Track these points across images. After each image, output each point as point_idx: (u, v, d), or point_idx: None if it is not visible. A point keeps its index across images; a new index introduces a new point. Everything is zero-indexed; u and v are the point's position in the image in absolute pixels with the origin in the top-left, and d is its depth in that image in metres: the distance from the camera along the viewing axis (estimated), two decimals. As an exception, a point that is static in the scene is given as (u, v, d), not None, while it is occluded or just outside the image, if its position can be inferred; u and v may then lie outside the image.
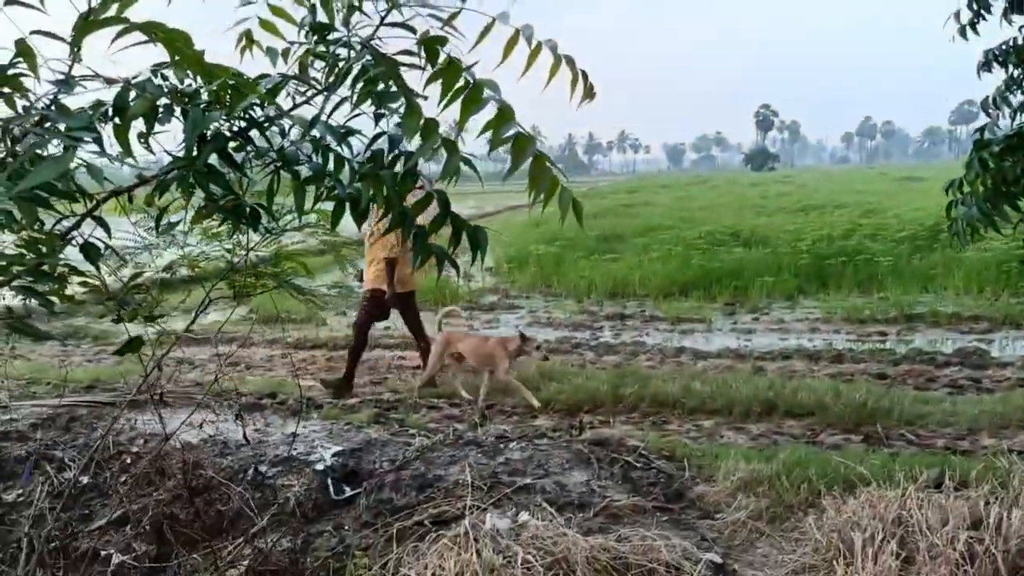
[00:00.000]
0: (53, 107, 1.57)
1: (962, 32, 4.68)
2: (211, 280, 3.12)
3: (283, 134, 1.88)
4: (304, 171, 1.93)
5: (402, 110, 1.83)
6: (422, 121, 1.67)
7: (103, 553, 4.30)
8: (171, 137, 1.80)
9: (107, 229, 1.83)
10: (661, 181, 58.33)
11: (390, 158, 1.89)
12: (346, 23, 1.86)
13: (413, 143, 1.89)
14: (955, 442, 5.38)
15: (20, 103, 1.66)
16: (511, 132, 1.82)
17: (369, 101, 1.90)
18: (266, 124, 1.80)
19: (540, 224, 22.62)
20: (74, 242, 1.87)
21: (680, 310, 11.13)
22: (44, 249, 1.84)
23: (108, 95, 1.71)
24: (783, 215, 21.49)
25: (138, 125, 1.77)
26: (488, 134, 1.84)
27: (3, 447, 5.03)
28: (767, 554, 3.89)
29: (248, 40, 2.05)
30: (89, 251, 1.78)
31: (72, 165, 1.63)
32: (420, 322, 7.61)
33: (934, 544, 3.47)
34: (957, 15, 4.73)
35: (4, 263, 1.80)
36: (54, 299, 1.95)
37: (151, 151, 1.79)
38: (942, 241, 14.13)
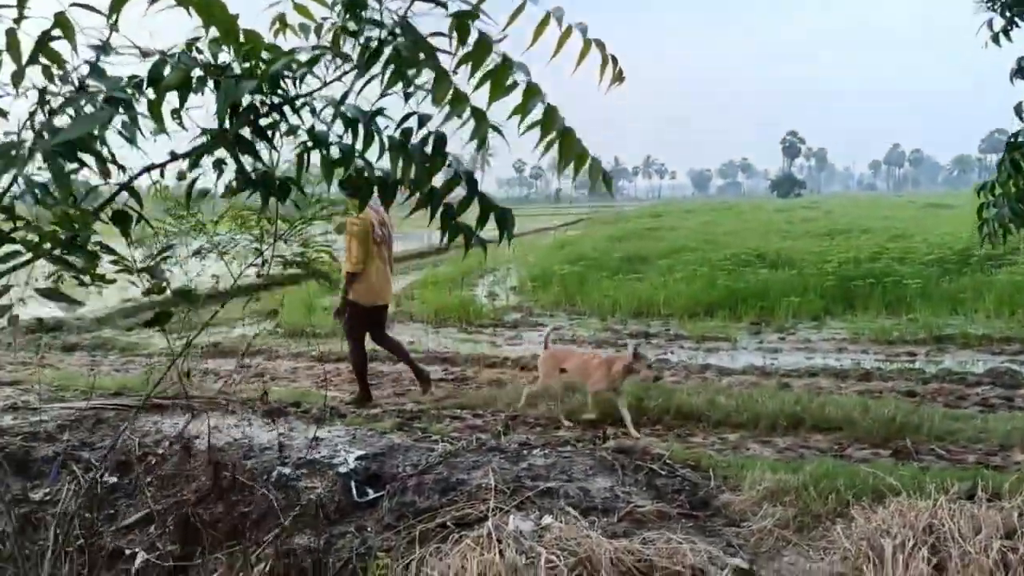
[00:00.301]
0: (91, 73, 1.60)
1: (995, 39, 4.66)
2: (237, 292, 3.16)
3: (314, 112, 1.91)
4: (334, 151, 1.95)
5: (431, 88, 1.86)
6: (451, 90, 1.68)
7: (127, 552, 4.33)
8: (204, 113, 1.83)
9: (139, 200, 1.86)
10: (686, 206, 58.23)
11: (419, 137, 1.91)
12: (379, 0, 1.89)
13: (440, 120, 1.91)
14: (987, 457, 5.28)
15: (57, 74, 1.70)
16: (539, 108, 1.84)
17: (400, 84, 1.92)
18: (298, 102, 1.83)
19: (564, 245, 22.71)
20: (105, 215, 1.89)
21: (705, 329, 11.05)
22: (77, 225, 1.87)
23: (142, 69, 1.75)
24: (809, 239, 21.33)
25: (171, 101, 1.80)
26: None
27: (32, 447, 5.09)
28: (794, 562, 3.83)
29: (282, 24, 2.08)
30: (120, 218, 1.81)
31: (107, 135, 1.66)
32: (385, 335, 7.73)
33: (967, 552, 3.40)
34: (990, 23, 4.71)
35: (38, 239, 1.83)
36: (86, 277, 1.98)
37: (183, 127, 1.82)
38: (972, 265, 13.99)
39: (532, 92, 1.71)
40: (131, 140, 1.59)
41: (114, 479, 4.85)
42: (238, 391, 6.89)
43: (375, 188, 2.01)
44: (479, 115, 1.71)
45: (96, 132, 1.55)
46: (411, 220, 2.19)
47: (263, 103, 1.76)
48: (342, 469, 4.60)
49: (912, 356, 9.17)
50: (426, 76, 1.92)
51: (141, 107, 1.77)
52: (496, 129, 1.74)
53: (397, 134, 1.86)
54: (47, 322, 12.21)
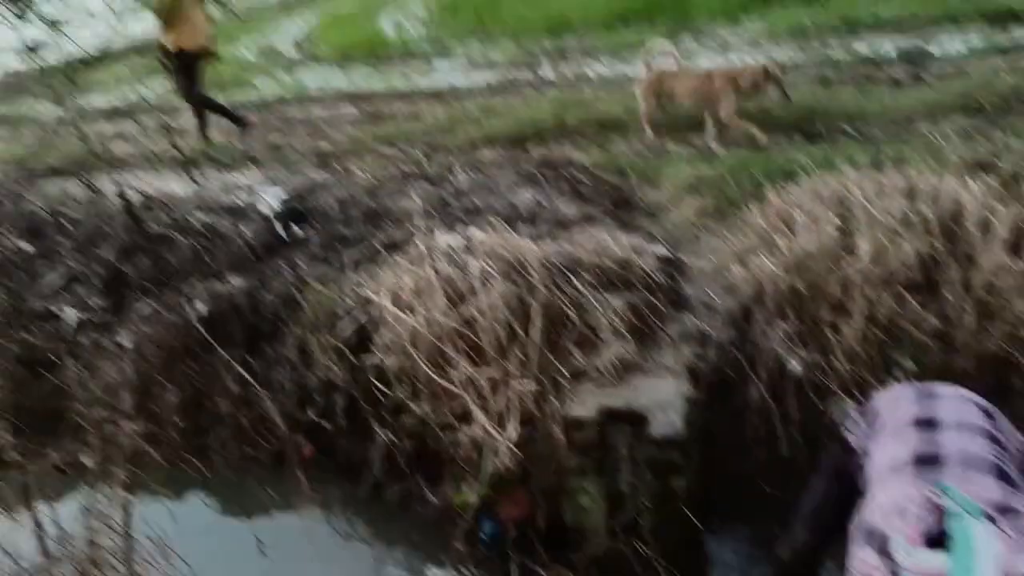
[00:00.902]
0: None
1: None
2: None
3: None
4: None
5: None
6: None
7: (55, 310, 4.29)
8: None
9: None
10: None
11: None
12: None
13: None
14: (894, 128, 5.42)
15: None
16: None
17: None
18: None
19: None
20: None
21: (621, 41, 10.75)
22: None
23: None
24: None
25: None
26: None
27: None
28: (714, 245, 4.01)
29: None
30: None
31: None
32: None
33: (872, 215, 3.58)
34: None
35: None
36: None
37: None
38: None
39: None
40: None
41: (30, 248, 4.71)
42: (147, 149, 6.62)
43: None
44: None
45: None
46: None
47: None
48: (264, 209, 4.54)
49: (826, 46, 9.12)
50: None
51: None
52: None
53: None
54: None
